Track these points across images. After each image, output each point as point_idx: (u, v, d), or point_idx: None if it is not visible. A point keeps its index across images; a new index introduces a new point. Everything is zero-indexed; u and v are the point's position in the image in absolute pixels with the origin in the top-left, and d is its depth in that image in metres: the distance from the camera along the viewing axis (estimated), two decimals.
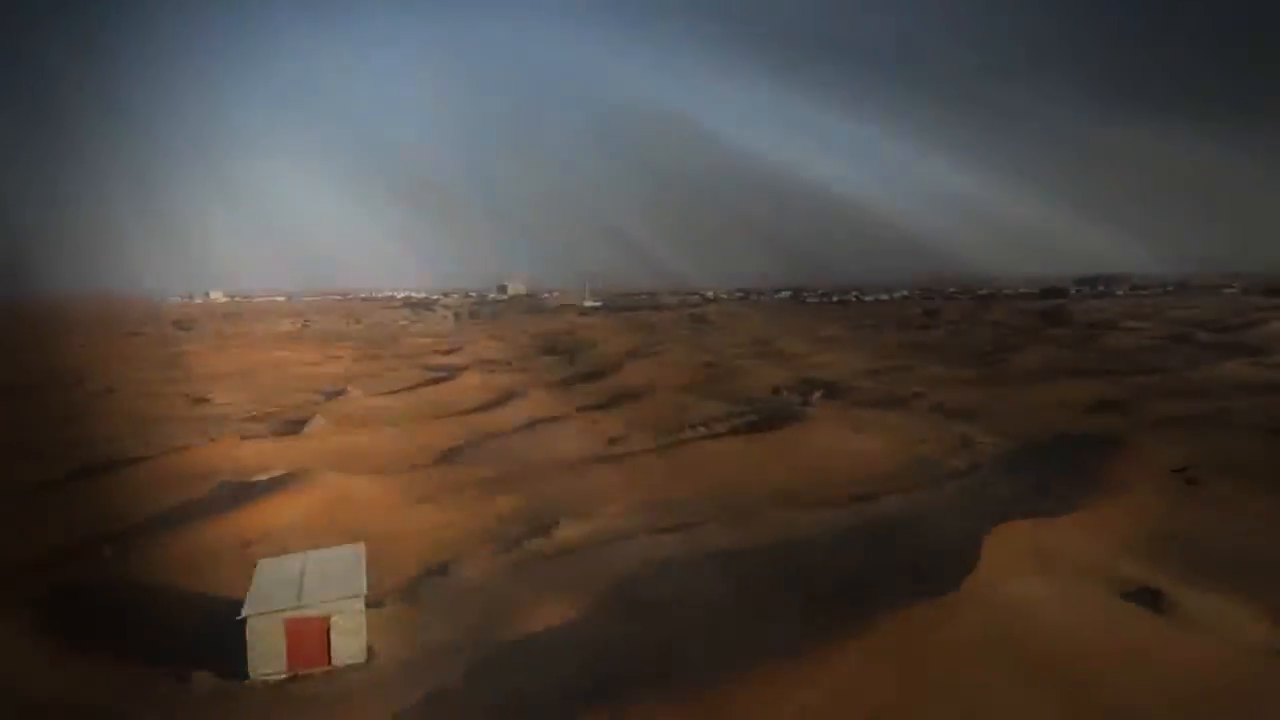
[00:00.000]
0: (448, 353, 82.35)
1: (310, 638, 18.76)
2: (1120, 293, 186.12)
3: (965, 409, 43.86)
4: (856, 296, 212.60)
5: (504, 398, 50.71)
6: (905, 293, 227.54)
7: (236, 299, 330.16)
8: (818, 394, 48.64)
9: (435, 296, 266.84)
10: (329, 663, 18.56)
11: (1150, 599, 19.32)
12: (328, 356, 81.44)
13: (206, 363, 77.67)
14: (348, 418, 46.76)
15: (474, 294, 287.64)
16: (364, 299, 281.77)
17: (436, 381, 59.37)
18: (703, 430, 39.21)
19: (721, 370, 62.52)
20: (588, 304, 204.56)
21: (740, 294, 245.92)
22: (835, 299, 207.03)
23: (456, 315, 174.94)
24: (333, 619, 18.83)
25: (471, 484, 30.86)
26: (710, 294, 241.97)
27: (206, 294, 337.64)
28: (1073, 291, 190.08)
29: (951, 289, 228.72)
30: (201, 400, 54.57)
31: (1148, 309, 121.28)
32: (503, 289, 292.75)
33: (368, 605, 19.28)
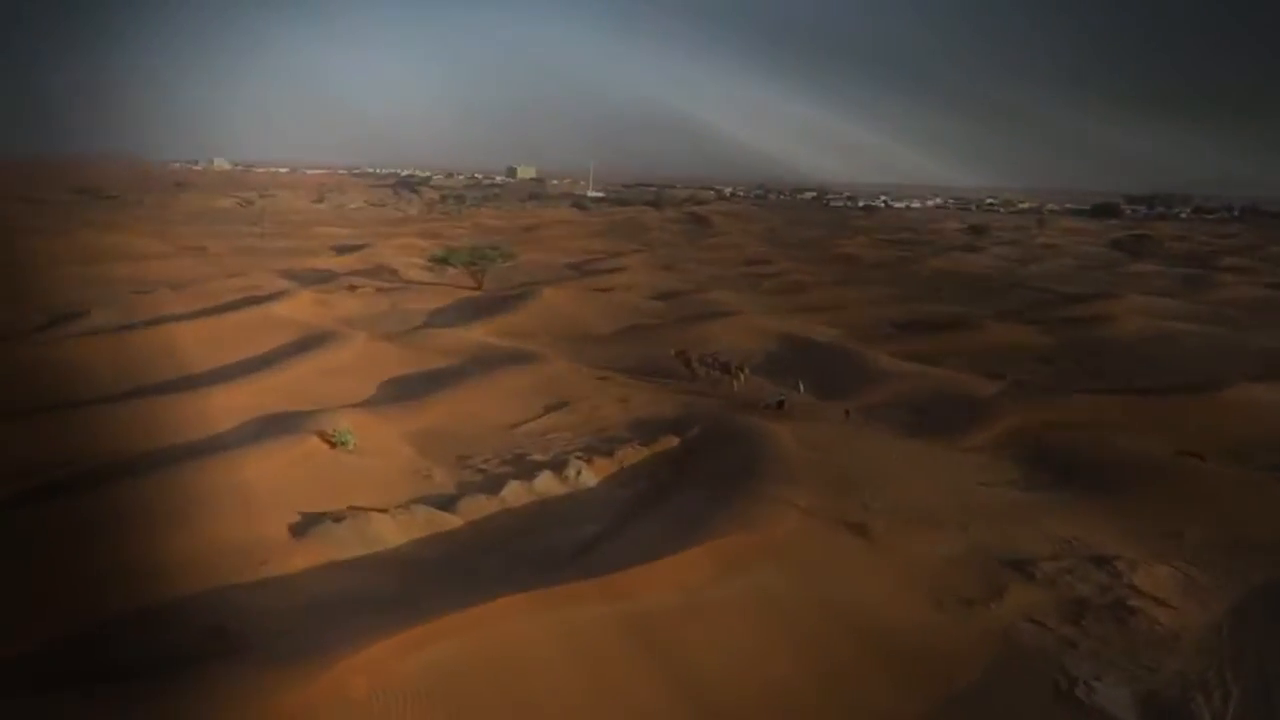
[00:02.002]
0: (343, 251, 60.67)
1: None
2: (1183, 215, 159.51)
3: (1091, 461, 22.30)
4: (885, 202, 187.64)
5: (286, 351, 29.68)
6: (938, 200, 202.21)
7: (239, 167, 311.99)
8: (795, 390, 26.49)
9: (437, 176, 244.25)
10: None
11: None
12: (187, 248, 60.17)
13: (28, 246, 56.52)
14: None
15: (481, 175, 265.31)
16: (358, 174, 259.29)
17: (256, 301, 38.25)
18: (548, 479, 17.77)
19: (676, 310, 40.74)
20: (591, 194, 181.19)
21: (759, 191, 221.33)
22: (862, 204, 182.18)
23: (443, 198, 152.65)
24: None
25: None
26: (728, 190, 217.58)
27: (211, 161, 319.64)
28: (1127, 211, 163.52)
29: (989, 200, 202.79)
30: None
31: (1236, 242, 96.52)
32: (512, 172, 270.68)
33: None
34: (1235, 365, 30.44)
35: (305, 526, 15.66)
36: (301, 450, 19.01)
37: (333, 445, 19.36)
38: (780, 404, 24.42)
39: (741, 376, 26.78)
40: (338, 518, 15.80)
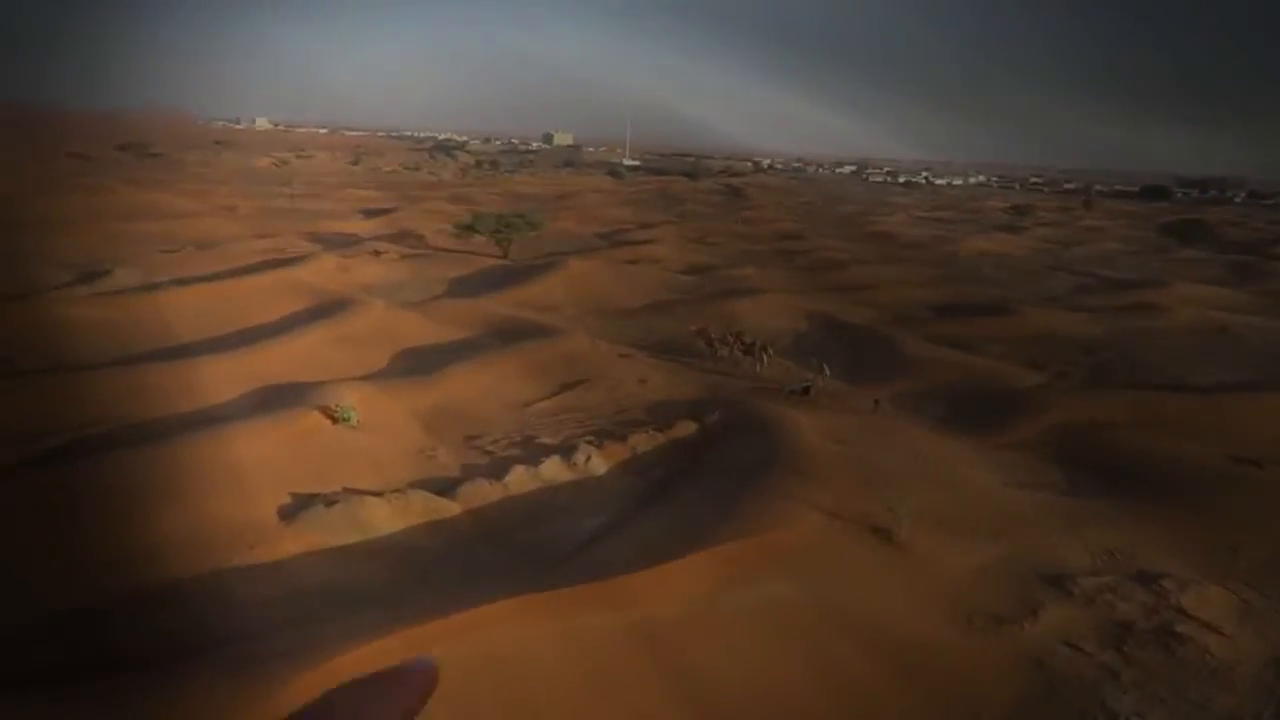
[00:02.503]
0: (371, 215, 59.99)
1: None
2: (1237, 200, 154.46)
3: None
4: (926, 178, 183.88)
5: (301, 318, 28.88)
6: (981, 178, 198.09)
7: (280, 126, 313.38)
8: (821, 375, 25.03)
9: (474, 141, 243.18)
10: None
11: None
12: (218, 207, 59.74)
13: (67, 203, 56.22)
14: None
15: (517, 140, 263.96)
16: (397, 137, 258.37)
17: (277, 264, 37.57)
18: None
19: (705, 285, 39.44)
20: (627, 162, 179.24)
21: (798, 163, 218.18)
22: (902, 179, 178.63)
23: (477, 163, 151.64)
24: None
25: None
26: (766, 162, 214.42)
27: (253, 120, 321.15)
28: (1178, 194, 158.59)
29: (1034, 178, 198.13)
30: None
31: None
32: (548, 138, 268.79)
33: None
34: None
35: (297, 509, 14.85)
36: (301, 426, 18.22)
37: (335, 421, 18.55)
38: (806, 390, 23.24)
39: (765, 358, 25.62)
40: (330, 501, 14.97)
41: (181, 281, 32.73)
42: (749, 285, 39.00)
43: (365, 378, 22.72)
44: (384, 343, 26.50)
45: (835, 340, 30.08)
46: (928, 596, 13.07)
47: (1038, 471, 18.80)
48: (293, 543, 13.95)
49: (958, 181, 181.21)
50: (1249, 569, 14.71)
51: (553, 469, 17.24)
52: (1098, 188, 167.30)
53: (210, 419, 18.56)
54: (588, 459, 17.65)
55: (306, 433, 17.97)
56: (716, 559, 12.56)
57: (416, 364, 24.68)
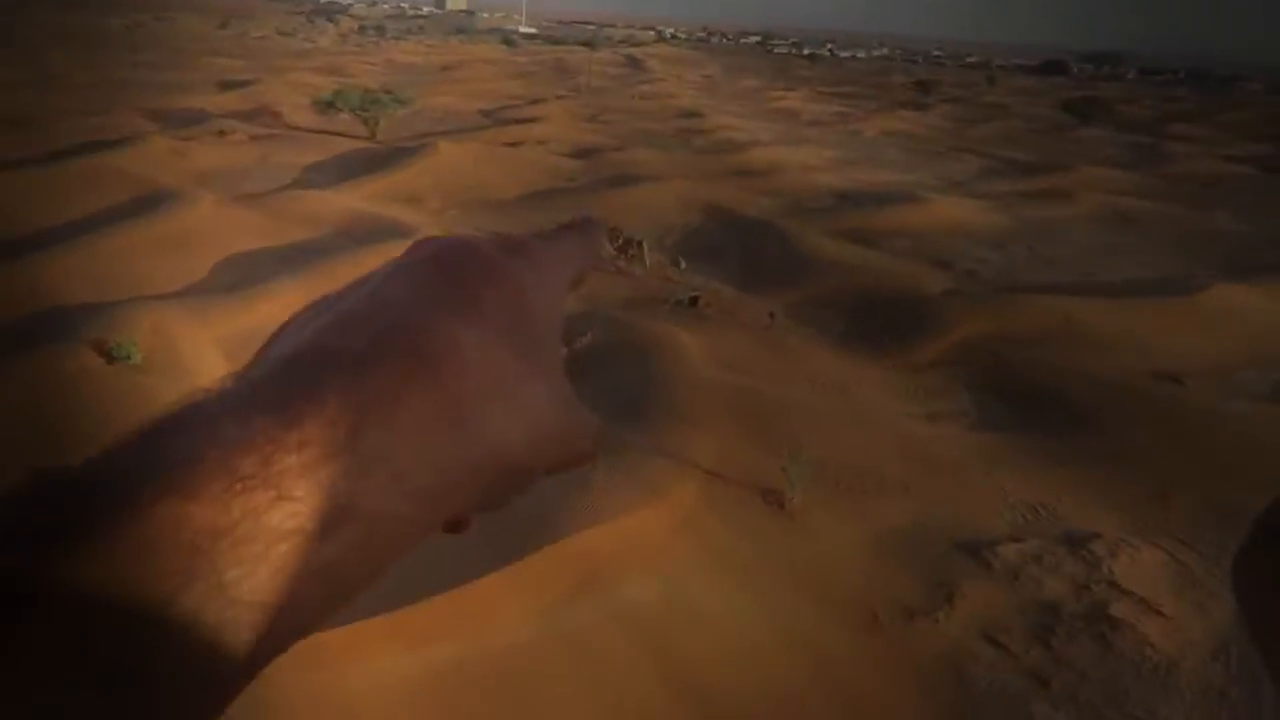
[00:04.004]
0: (228, 88, 53.11)
1: None
2: (1129, 76, 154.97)
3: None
4: (830, 50, 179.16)
5: (111, 216, 24.18)
6: (884, 51, 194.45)
7: None
8: (677, 265, 21.98)
9: (359, 4, 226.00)
10: None
11: None
12: (44, 76, 52.03)
13: None
14: None
15: (407, 4, 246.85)
16: None
17: (98, 147, 32.08)
18: None
19: (593, 170, 35.57)
20: (523, 30, 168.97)
21: (702, 34, 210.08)
22: (806, 51, 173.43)
23: (360, 29, 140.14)
24: None
25: None
26: (669, 32, 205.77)
27: None
28: (1075, 70, 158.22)
29: (936, 52, 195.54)
30: None
31: (1185, 107, 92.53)
32: (440, 3, 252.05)
33: None
34: (1203, 255, 27.29)
35: None
36: (66, 368, 14.42)
37: (110, 360, 14.80)
38: (694, 300, 20.36)
39: (644, 258, 22.55)
40: None
41: None
42: (642, 171, 35.32)
43: (172, 295, 18.78)
44: (207, 247, 22.31)
45: (730, 235, 27.07)
46: (823, 588, 10.62)
47: (948, 398, 16.52)
48: None
49: (861, 54, 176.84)
50: (1181, 519, 12.77)
51: None
52: (999, 63, 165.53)
53: None
54: None
55: (70, 377, 14.21)
56: (548, 563, 9.73)
57: (241, 275, 20.71)
